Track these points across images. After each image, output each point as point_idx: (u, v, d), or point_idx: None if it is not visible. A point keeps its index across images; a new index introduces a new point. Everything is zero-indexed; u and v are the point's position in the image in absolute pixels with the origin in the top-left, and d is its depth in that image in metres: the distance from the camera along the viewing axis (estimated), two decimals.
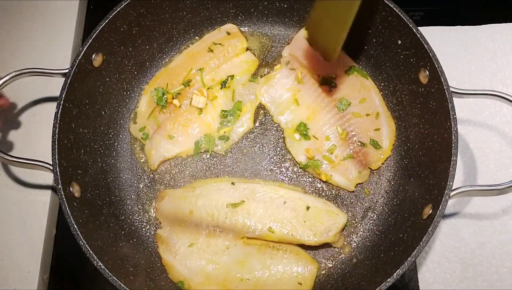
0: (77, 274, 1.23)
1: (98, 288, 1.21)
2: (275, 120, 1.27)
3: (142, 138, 1.27)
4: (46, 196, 1.26)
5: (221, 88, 1.28)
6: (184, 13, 1.30)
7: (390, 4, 1.15)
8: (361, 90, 1.26)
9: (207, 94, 1.27)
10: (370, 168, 1.22)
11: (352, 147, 1.22)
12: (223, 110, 1.27)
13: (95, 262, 0.99)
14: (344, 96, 1.25)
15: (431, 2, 1.48)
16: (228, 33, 1.32)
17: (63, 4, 1.45)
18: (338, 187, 1.22)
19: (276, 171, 1.24)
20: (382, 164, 1.23)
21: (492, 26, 1.40)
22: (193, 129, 1.26)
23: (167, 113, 1.26)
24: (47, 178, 1.27)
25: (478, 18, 1.42)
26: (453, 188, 1.01)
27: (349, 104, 1.24)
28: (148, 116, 1.27)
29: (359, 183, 1.22)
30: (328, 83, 1.26)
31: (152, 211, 1.22)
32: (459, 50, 1.38)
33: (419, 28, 1.13)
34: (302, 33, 1.30)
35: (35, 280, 1.19)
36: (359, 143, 1.22)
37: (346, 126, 1.24)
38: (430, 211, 1.03)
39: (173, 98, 1.26)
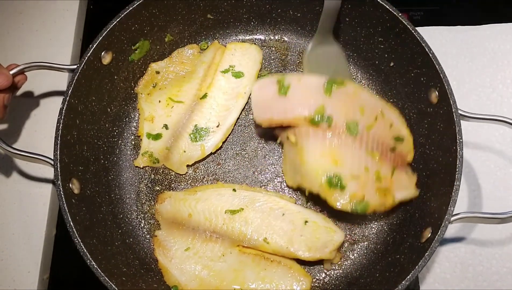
0: (77, 274, 1.23)
1: (98, 288, 1.20)
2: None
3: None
4: (46, 196, 1.26)
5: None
6: (197, 15, 1.30)
7: (404, 22, 1.14)
8: (353, 100, 1.13)
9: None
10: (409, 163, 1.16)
11: (388, 158, 1.13)
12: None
13: (88, 260, 1.00)
14: (346, 119, 1.11)
15: (431, 2, 1.46)
16: None
17: (63, 4, 1.44)
18: None
19: (278, 181, 1.23)
20: None
21: (492, 26, 1.39)
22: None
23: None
24: (49, 177, 1.27)
25: (478, 18, 1.40)
26: (454, 213, 1.00)
27: (357, 123, 1.11)
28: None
29: None
30: (316, 124, 1.12)
31: (151, 212, 1.21)
32: (459, 50, 1.37)
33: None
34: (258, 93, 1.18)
35: (35, 280, 1.19)
36: (390, 150, 1.13)
37: (370, 145, 1.12)
38: (429, 235, 1.02)
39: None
